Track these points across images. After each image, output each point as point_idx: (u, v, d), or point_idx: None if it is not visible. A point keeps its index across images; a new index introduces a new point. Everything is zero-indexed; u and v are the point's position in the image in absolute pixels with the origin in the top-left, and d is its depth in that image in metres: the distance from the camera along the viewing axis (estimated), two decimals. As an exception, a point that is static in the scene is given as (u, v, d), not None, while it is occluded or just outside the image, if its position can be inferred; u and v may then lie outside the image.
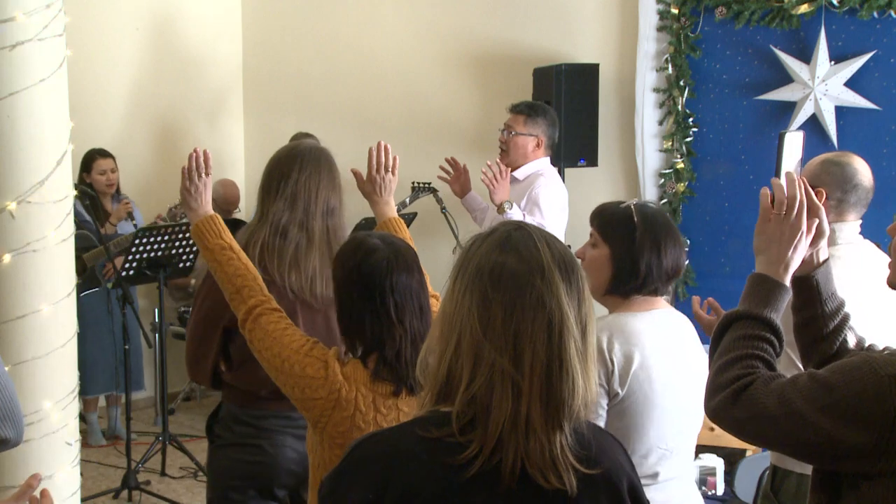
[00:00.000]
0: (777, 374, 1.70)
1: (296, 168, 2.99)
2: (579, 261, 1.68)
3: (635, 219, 2.50)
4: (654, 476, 2.48)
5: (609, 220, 2.56)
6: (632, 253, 2.49)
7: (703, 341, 4.34)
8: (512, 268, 1.55)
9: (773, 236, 1.83)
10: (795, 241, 1.81)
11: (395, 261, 2.37)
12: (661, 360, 2.49)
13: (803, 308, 1.90)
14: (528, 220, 4.74)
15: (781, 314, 1.81)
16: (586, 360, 1.57)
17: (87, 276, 5.47)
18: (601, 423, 2.46)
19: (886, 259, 3.01)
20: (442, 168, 5.38)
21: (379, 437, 1.63)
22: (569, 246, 1.73)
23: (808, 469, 2.83)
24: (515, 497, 1.53)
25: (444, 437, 1.53)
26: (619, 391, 2.45)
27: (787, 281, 1.83)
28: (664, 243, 2.50)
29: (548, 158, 5.08)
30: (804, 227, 1.81)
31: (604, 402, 2.45)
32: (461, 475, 1.51)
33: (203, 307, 3.02)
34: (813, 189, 2.87)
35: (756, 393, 1.67)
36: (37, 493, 2.09)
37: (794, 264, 1.82)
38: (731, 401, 1.70)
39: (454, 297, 1.58)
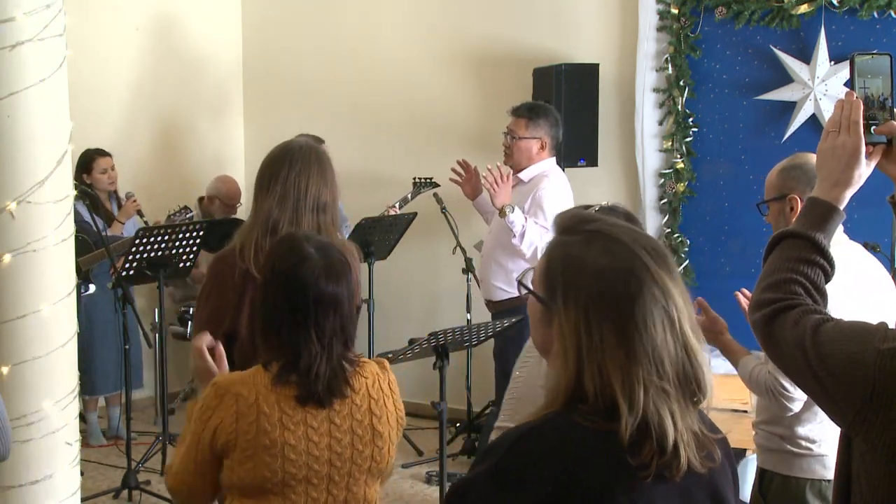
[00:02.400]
0: (813, 310, 1.70)
1: (286, 166, 2.99)
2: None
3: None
4: None
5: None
6: None
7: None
8: (629, 284, 1.54)
9: (826, 154, 1.80)
10: (847, 159, 1.77)
11: (324, 273, 2.31)
12: None
13: None
14: (531, 222, 4.74)
15: (832, 236, 1.78)
16: (699, 335, 1.59)
17: (81, 279, 5.47)
18: None
19: (874, 261, 3.03)
20: (453, 170, 5.37)
21: (546, 426, 1.58)
22: None
23: (794, 471, 2.86)
24: (683, 488, 1.56)
25: (615, 432, 1.52)
26: None
27: (842, 202, 1.79)
28: None
29: (553, 159, 5.07)
30: (857, 145, 1.76)
31: None
32: (642, 475, 1.52)
33: (203, 314, 3.03)
34: (784, 197, 2.88)
35: (786, 323, 1.69)
36: None
37: (850, 184, 1.78)
38: (766, 321, 1.73)
39: (574, 321, 1.56)
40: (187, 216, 5.88)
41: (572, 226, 1.64)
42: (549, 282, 1.60)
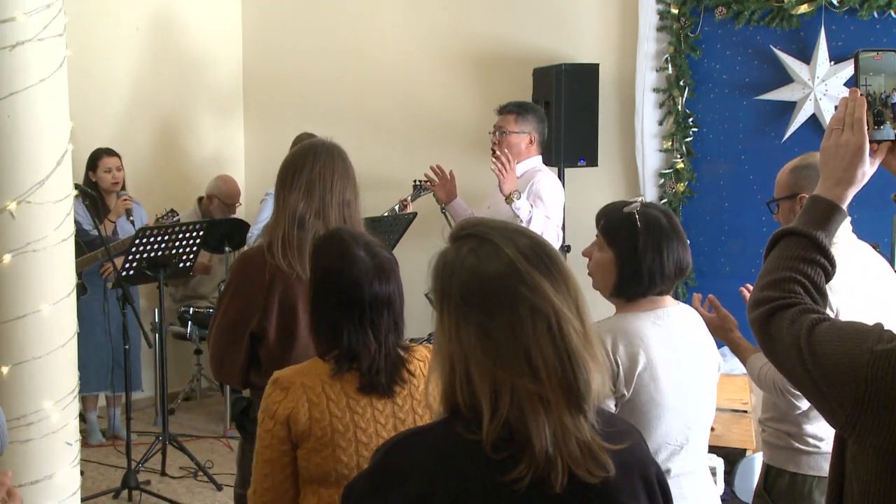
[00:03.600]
0: (810, 309, 1.69)
1: (309, 160, 3.00)
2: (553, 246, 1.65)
3: (638, 224, 2.50)
4: (667, 472, 2.49)
5: (612, 225, 2.56)
6: (635, 258, 2.50)
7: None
8: (495, 286, 1.53)
9: (829, 152, 1.78)
10: (850, 157, 1.75)
11: (376, 274, 2.35)
12: (666, 357, 2.49)
13: None
14: (535, 212, 4.75)
15: (834, 234, 1.76)
16: (589, 339, 1.55)
17: (79, 283, 5.47)
18: None
19: (881, 260, 3.02)
20: (426, 175, 5.41)
21: (419, 436, 1.60)
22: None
23: (801, 468, 2.86)
24: (566, 499, 1.53)
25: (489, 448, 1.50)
26: (626, 392, 2.45)
27: (845, 200, 1.77)
28: (667, 247, 2.51)
29: (540, 157, 5.09)
30: (861, 143, 1.75)
31: (611, 403, 2.45)
32: (513, 489, 1.50)
33: (229, 313, 3.02)
34: (795, 196, 2.89)
35: (782, 321, 1.68)
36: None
37: (853, 182, 1.76)
38: (764, 319, 1.71)
39: (447, 330, 1.56)
40: (173, 219, 5.87)
41: (454, 232, 1.64)
42: (433, 291, 1.61)
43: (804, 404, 2.81)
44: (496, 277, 1.53)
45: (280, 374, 2.38)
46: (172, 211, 5.94)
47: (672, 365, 2.49)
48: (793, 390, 2.77)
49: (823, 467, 2.85)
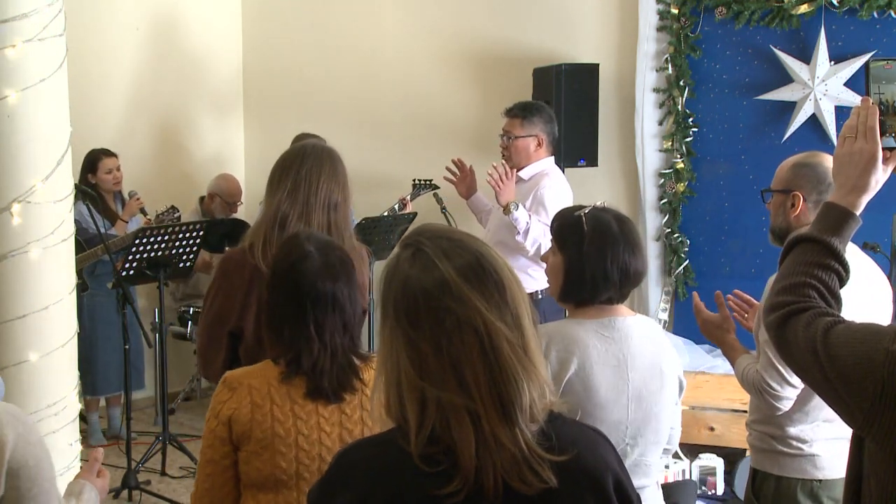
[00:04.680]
0: (825, 312, 1.71)
1: (297, 161, 3.01)
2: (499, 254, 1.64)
3: (585, 228, 2.47)
4: None
5: (562, 229, 2.54)
6: (579, 263, 2.46)
7: (699, 341, 4.31)
8: (421, 299, 1.52)
9: (843, 159, 1.81)
10: (864, 165, 1.78)
11: (322, 272, 2.33)
12: (605, 367, 2.44)
13: None
14: (534, 220, 4.74)
15: (847, 241, 1.79)
16: (526, 350, 1.54)
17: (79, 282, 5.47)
18: None
19: (866, 259, 3.03)
20: (448, 169, 5.37)
21: (365, 444, 1.63)
22: None
23: (785, 471, 2.86)
24: None
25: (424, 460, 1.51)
26: (553, 399, 2.43)
27: (858, 207, 1.80)
28: (611, 252, 2.46)
29: (552, 158, 5.07)
30: (874, 151, 1.77)
31: None
32: (448, 502, 1.49)
33: (211, 310, 3.03)
34: (789, 192, 2.89)
35: (798, 325, 1.70)
36: None
37: (866, 190, 1.79)
38: (780, 323, 1.74)
39: (384, 340, 1.57)
40: (174, 216, 5.87)
41: (402, 240, 1.64)
42: (379, 298, 1.61)
43: (784, 405, 2.80)
44: (424, 291, 1.53)
45: (230, 373, 2.37)
46: (173, 207, 5.95)
47: (611, 376, 2.44)
48: (771, 391, 2.76)
49: (808, 470, 2.84)
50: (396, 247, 1.64)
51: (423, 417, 1.50)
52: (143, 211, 5.96)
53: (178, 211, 5.96)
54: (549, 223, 4.73)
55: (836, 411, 1.70)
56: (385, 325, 1.57)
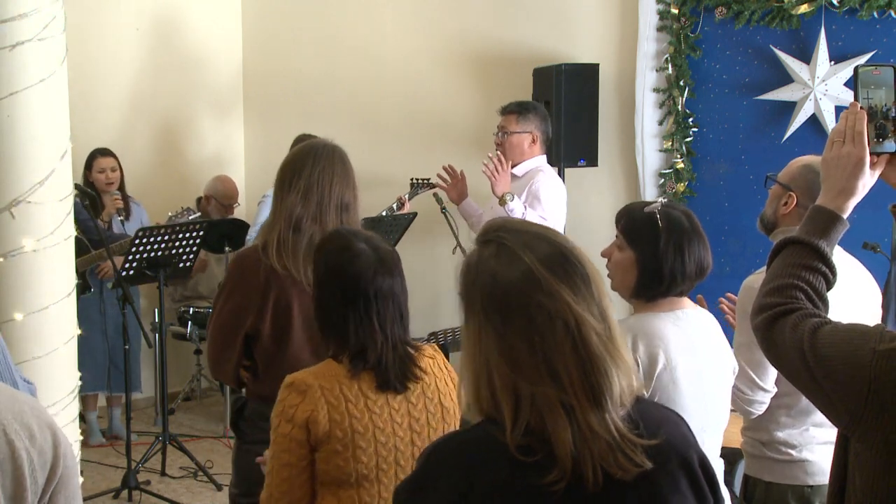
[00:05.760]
0: (812, 313, 1.72)
1: (309, 163, 3.01)
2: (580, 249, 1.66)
3: (660, 224, 2.50)
4: None
5: (634, 225, 2.56)
6: (656, 259, 2.49)
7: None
8: (512, 295, 1.54)
9: (831, 163, 1.82)
10: (851, 169, 1.79)
11: (379, 266, 2.38)
12: (685, 358, 2.48)
13: None
14: (530, 212, 4.76)
15: (835, 244, 1.81)
16: (613, 340, 1.57)
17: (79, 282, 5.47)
18: None
19: (863, 270, 3.03)
20: (439, 175, 5.41)
21: (457, 439, 1.63)
22: None
23: (775, 477, 2.86)
24: (602, 498, 1.54)
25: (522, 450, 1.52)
26: (644, 392, 2.45)
27: (846, 211, 1.81)
28: (688, 248, 2.51)
29: (545, 157, 5.10)
30: (862, 155, 1.79)
31: None
32: (551, 490, 1.51)
33: (223, 313, 3.03)
34: (788, 190, 2.90)
35: (785, 326, 1.71)
36: None
37: (854, 194, 1.81)
38: (767, 324, 1.75)
39: (471, 336, 1.58)
40: (189, 217, 5.87)
41: (480, 235, 1.65)
42: (459, 292, 1.63)
43: (757, 409, 2.83)
44: (513, 286, 1.55)
45: (295, 377, 2.37)
46: (189, 209, 5.94)
47: (690, 367, 2.49)
48: (742, 395, 2.80)
49: (797, 476, 2.84)
50: (474, 243, 1.65)
51: (518, 411, 1.52)
52: (119, 211, 5.88)
53: (193, 212, 5.96)
54: (545, 216, 4.78)
55: (823, 412, 1.71)
56: (470, 322, 1.58)
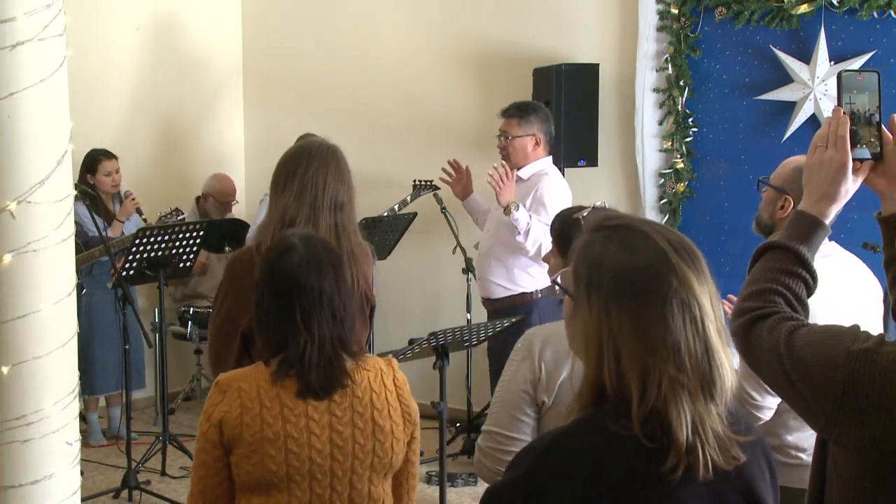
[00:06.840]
0: (789, 317, 1.72)
1: (303, 163, 3.01)
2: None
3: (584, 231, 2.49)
4: None
5: (561, 231, 2.56)
6: None
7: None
8: (649, 278, 1.56)
9: (813, 168, 1.83)
10: (833, 174, 1.79)
11: (307, 263, 2.34)
12: None
13: (888, 246, 1.90)
14: (535, 220, 4.75)
15: (816, 249, 1.81)
16: (722, 335, 1.60)
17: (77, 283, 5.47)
18: (528, 432, 2.43)
19: (863, 268, 3.01)
20: (444, 170, 5.39)
21: (575, 431, 1.60)
22: None
23: (784, 481, 2.80)
24: (710, 486, 1.57)
25: (639, 438, 1.54)
26: (546, 399, 2.42)
27: (828, 216, 1.82)
28: None
29: (549, 158, 5.09)
30: (844, 160, 1.78)
31: (529, 410, 2.42)
32: (669, 479, 1.53)
33: (221, 314, 3.04)
34: (783, 193, 2.89)
35: (762, 330, 1.72)
36: None
37: (836, 199, 1.81)
38: (745, 328, 1.75)
39: (596, 314, 1.58)
40: (178, 218, 5.87)
41: (599, 222, 1.67)
42: (576, 278, 1.63)
43: (765, 415, 2.79)
44: (650, 268, 1.57)
45: (223, 376, 2.38)
46: (177, 210, 5.95)
47: None
48: (750, 400, 2.76)
49: (806, 479, 2.83)
50: (589, 230, 1.66)
51: (645, 391, 1.53)
52: (139, 211, 5.94)
53: (183, 213, 5.97)
54: (550, 223, 4.77)
55: (801, 415, 1.71)
56: (596, 302, 1.58)
